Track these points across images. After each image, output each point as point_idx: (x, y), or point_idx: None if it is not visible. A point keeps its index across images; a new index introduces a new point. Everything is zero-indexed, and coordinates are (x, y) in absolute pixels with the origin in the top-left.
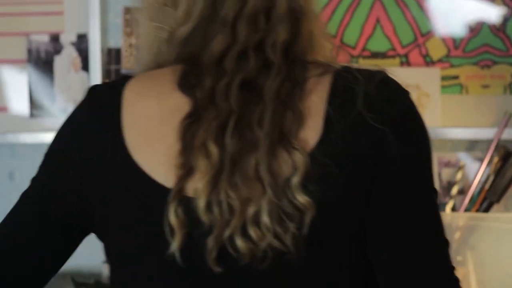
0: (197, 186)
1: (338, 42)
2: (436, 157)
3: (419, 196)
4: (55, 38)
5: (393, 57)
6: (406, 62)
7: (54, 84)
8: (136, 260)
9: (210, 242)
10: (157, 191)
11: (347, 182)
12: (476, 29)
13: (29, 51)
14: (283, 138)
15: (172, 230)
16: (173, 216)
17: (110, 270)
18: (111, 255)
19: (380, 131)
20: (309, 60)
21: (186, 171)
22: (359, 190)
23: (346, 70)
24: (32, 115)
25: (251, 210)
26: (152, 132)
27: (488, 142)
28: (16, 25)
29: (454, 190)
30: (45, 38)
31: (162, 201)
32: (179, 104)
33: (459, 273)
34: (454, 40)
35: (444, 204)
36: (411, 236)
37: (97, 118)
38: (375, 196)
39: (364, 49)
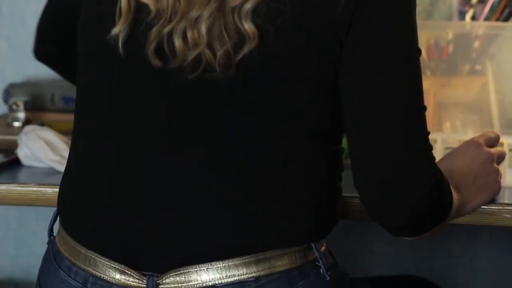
0: None
1: None
2: None
3: (399, 56)
4: None
5: None
6: None
7: None
8: (88, 48)
9: (153, 33)
10: None
11: (298, 28)
12: None
13: None
14: None
15: (120, 15)
16: (124, 0)
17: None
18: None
19: None
20: None
21: None
22: (313, 40)
23: None
24: None
25: (193, 14)
26: None
27: None
28: None
29: None
30: None
31: None
32: None
33: (479, 82)
34: None
35: (464, 13)
36: (385, 98)
37: None
38: (346, 50)
39: None
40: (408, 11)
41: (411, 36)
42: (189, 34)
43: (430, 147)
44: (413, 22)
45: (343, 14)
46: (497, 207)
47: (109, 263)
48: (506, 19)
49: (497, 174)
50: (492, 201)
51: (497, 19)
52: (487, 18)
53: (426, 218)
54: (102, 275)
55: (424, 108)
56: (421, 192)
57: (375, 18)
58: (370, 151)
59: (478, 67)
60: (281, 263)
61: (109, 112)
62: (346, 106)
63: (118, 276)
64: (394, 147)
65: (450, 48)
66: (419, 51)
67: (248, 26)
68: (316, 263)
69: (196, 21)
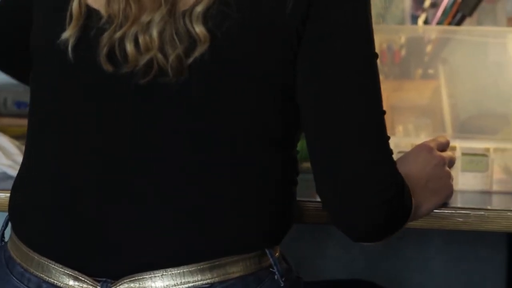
0: None
1: None
2: None
3: (357, 60)
4: None
5: None
6: None
7: None
8: (40, 54)
9: (104, 38)
10: None
11: (246, 32)
12: None
13: None
14: None
15: (71, 18)
16: (76, 4)
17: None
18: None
19: None
20: None
21: None
22: (262, 44)
23: None
24: None
25: (144, 18)
26: None
27: None
28: None
29: (427, 2)
30: None
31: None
32: None
33: (431, 86)
34: None
35: (416, 17)
36: (344, 103)
37: None
38: (302, 56)
39: None
40: (365, 15)
41: (368, 40)
42: (140, 39)
43: (390, 152)
44: (370, 26)
45: (292, 19)
46: (449, 211)
47: (62, 270)
48: (458, 23)
49: (449, 177)
50: (445, 204)
51: (450, 23)
52: (439, 22)
53: (388, 224)
54: (55, 282)
55: (383, 113)
56: (383, 199)
57: (330, 23)
58: (330, 158)
59: (430, 71)
60: (236, 270)
61: (61, 118)
62: (303, 111)
63: (71, 282)
64: (354, 153)
65: (403, 52)
66: (377, 55)
67: (199, 30)
68: (271, 269)
69: (147, 26)
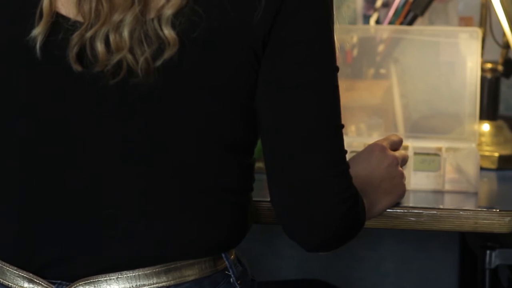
0: None
1: None
2: None
3: (318, 74)
4: None
5: None
6: None
7: None
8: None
9: (75, 38)
10: None
11: (214, 40)
12: None
13: None
14: None
15: (41, 16)
16: (46, 3)
17: None
18: None
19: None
20: None
21: None
22: (228, 53)
23: None
24: None
25: (115, 17)
26: None
27: None
28: None
29: (379, 2)
30: None
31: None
32: None
33: (383, 85)
34: None
35: (368, 17)
36: (302, 115)
37: None
38: (265, 64)
39: None
40: (328, 29)
41: (330, 53)
42: (111, 38)
43: (347, 165)
44: (333, 40)
45: (259, 29)
46: (402, 211)
47: (17, 272)
48: (410, 23)
49: (402, 177)
50: (397, 204)
51: (401, 23)
52: (391, 22)
53: (341, 236)
54: (10, 284)
55: (341, 126)
56: (338, 212)
57: (294, 35)
58: (285, 169)
59: (382, 71)
60: (191, 273)
61: (25, 115)
62: (263, 121)
63: (26, 284)
64: (311, 166)
65: (355, 52)
66: (337, 69)
67: (168, 32)
68: (226, 271)
69: (118, 25)
